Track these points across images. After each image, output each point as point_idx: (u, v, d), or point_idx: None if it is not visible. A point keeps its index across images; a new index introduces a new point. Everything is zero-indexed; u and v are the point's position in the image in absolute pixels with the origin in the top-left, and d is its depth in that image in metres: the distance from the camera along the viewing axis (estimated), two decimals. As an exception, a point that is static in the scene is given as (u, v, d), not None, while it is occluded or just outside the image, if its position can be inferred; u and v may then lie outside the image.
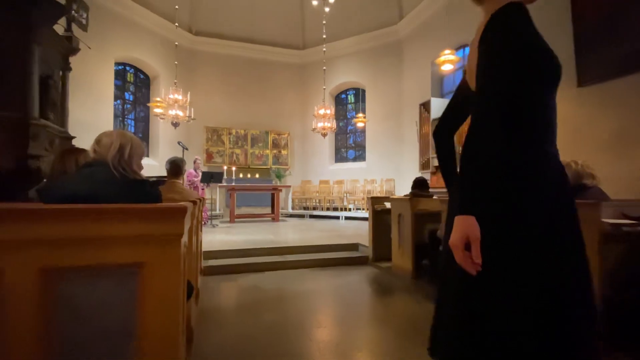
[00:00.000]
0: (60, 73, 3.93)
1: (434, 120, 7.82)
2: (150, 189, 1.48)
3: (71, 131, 3.97)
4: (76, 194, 1.28)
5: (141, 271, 1.13)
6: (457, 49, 8.12)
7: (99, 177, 1.37)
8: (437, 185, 7.11)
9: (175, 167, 3.53)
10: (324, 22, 9.64)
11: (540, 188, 0.94)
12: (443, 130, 1.24)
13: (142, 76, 10.62)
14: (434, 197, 4.23)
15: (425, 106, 8.19)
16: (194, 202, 2.29)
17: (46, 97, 3.40)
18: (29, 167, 2.94)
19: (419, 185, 4.56)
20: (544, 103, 0.98)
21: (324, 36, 9.69)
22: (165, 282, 1.19)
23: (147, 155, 10.42)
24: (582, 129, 4.47)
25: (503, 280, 0.91)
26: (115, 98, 9.51)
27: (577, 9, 4.55)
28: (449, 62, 6.18)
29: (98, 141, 1.49)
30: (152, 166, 9.66)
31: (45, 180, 2.76)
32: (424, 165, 8.39)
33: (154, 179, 4.49)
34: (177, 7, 9.05)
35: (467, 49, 7.26)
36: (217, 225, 7.76)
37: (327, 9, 9.80)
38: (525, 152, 0.95)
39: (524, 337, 0.88)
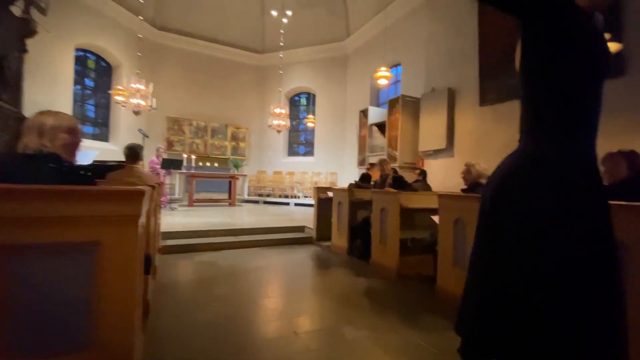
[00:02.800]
0: (16, 54, 3.38)
1: (370, 125, 8.11)
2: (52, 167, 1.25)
3: (27, 112, 3.45)
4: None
5: (100, 249, 1.05)
6: (391, 66, 8.47)
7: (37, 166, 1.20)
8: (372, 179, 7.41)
9: (133, 153, 3.26)
10: (282, 31, 9.43)
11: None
12: None
13: (104, 64, 9.50)
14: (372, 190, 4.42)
15: (364, 113, 8.46)
16: (152, 186, 2.14)
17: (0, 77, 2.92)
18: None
19: (363, 179, 4.75)
20: None
21: (282, 44, 9.49)
22: (123, 259, 1.12)
23: (108, 141, 9.47)
24: (483, 139, 4.97)
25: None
26: (76, 83, 8.41)
27: (482, 44, 5.00)
28: (384, 77, 6.42)
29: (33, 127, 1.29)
30: (113, 151, 8.78)
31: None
32: (361, 162, 8.69)
33: (114, 163, 4.09)
34: (142, 0, 8.20)
35: (400, 68, 7.57)
36: (175, 208, 7.31)
37: (285, 20, 9.61)
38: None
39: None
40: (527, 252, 0.84)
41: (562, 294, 0.79)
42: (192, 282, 2.95)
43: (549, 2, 0.81)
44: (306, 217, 6.23)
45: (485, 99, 4.93)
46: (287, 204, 9.88)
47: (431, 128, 5.81)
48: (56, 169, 1.22)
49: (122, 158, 3.43)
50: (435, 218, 2.81)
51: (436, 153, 5.81)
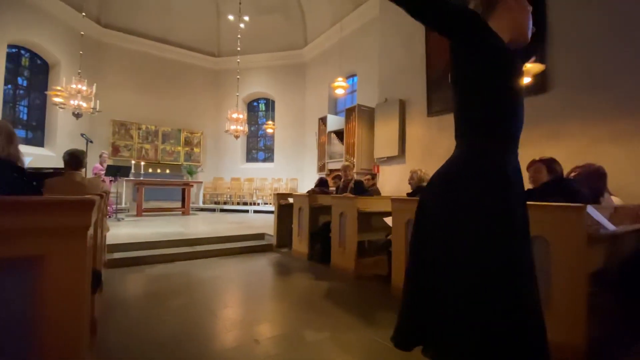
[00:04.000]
0: None
1: (329, 132, 8.31)
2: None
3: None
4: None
5: (44, 264, 0.98)
6: (348, 76, 8.81)
7: None
8: (330, 184, 7.58)
9: (74, 159, 2.97)
10: (239, 36, 9.32)
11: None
12: None
13: (39, 62, 8.55)
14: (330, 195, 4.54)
15: (323, 120, 8.64)
16: (101, 195, 2.01)
17: None
18: None
19: (321, 184, 4.85)
20: None
21: (239, 48, 9.37)
22: (70, 275, 1.04)
23: (43, 146, 8.50)
24: (430, 147, 5.37)
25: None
26: (6, 82, 7.47)
27: (429, 58, 5.44)
28: (341, 87, 6.64)
29: None
30: (49, 157, 7.92)
31: None
32: (321, 168, 8.85)
33: (50, 170, 3.70)
34: (84, -6, 7.58)
35: (356, 78, 7.87)
36: (122, 219, 6.79)
37: (242, 25, 9.51)
38: None
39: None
40: (450, 242, 0.92)
41: (486, 280, 0.85)
42: (143, 296, 2.77)
43: (466, 23, 0.92)
44: (266, 224, 6.17)
45: (432, 110, 5.35)
46: (246, 211, 9.68)
47: (385, 136, 6.14)
48: (18, 178, 1.15)
49: (61, 165, 3.12)
50: (388, 220, 2.99)
51: (390, 160, 6.14)
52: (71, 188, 2.51)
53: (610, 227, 1.80)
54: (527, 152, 2.04)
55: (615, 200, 2.50)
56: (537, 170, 2.33)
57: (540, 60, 3.66)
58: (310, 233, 4.25)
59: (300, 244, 4.40)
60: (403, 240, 2.74)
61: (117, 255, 3.75)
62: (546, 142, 3.70)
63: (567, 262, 1.64)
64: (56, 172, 3.40)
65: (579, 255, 1.63)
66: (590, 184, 2.24)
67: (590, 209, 1.69)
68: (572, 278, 1.63)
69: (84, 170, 3.29)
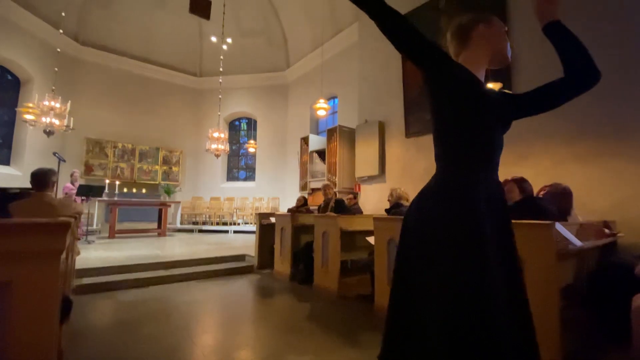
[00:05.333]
0: None
1: (311, 152, 8.40)
2: None
3: None
4: None
5: (11, 291, 0.92)
6: (329, 98, 9.06)
7: None
8: (312, 204, 7.59)
9: (41, 179, 2.78)
10: (222, 57, 9.44)
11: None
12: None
13: (9, 77, 8.24)
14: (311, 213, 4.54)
15: (305, 140, 8.75)
16: (74, 217, 1.92)
17: None
18: None
19: (300, 203, 4.85)
20: None
21: (221, 69, 9.47)
22: (39, 303, 0.98)
23: (9, 164, 8.04)
24: (408, 167, 5.54)
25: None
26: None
27: (406, 82, 5.72)
28: (322, 108, 6.81)
29: None
30: (15, 176, 7.49)
31: None
32: (303, 187, 8.85)
33: (16, 190, 3.49)
34: (63, 13, 7.48)
35: (337, 100, 8.10)
36: (93, 241, 6.43)
37: (225, 47, 9.66)
38: None
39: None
40: (424, 267, 0.93)
41: (467, 305, 0.85)
42: (114, 324, 2.61)
43: (435, 55, 0.98)
44: (247, 245, 6.04)
45: (410, 131, 5.57)
46: (226, 231, 9.43)
47: (365, 156, 6.28)
48: None
49: (28, 184, 2.95)
50: (371, 239, 3.02)
51: (370, 179, 6.26)
52: (40, 209, 2.37)
53: (578, 243, 1.91)
54: (499, 171, 2.14)
55: (579, 218, 2.67)
56: (510, 190, 2.46)
57: (508, 88, 3.95)
58: (292, 253, 4.20)
59: (282, 264, 4.32)
60: (385, 259, 2.76)
61: (87, 280, 3.53)
62: (515, 163, 3.93)
63: (539, 277, 1.72)
64: (23, 192, 3.22)
65: (550, 271, 1.71)
66: (558, 202, 2.39)
67: (559, 226, 1.79)
68: (544, 293, 1.70)
69: (54, 189, 3.14)
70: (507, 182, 2.54)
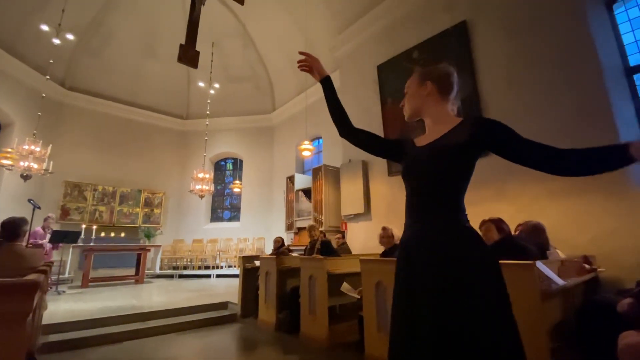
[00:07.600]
0: None
1: (297, 190, 8.45)
2: None
3: None
4: None
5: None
6: (313, 139, 9.35)
7: None
8: (298, 244, 7.46)
9: (10, 229, 2.66)
10: (209, 101, 9.74)
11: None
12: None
13: (-12, 121, 8.14)
14: (294, 255, 4.44)
15: (291, 179, 8.83)
16: (44, 271, 1.82)
17: None
18: None
19: (277, 245, 4.78)
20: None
21: (208, 112, 9.71)
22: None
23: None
24: (393, 203, 5.63)
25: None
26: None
27: (385, 124, 6.03)
28: (307, 149, 7.00)
29: None
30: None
31: None
32: (289, 227, 8.74)
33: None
34: (51, 61, 7.66)
35: (322, 140, 8.37)
36: (64, 291, 5.99)
37: (212, 92, 10.01)
38: None
39: None
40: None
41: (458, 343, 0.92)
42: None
43: (392, 149, 1.38)
44: (230, 291, 5.76)
45: (392, 170, 5.75)
46: (208, 276, 9.01)
47: (351, 194, 6.37)
48: None
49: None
50: (346, 288, 2.97)
51: (357, 217, 6.28)
52: (9, 261, 2.24)
53: (560, 281, 1.94)
54: (477, 210, 2.21)
55: (560, 254, 2.73)
56: (488, 229, 2.52)
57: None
58: (278, 299, 4.03)
59: (268, 311, 4.12)
60: (374, 303, 2.70)
61: (53, 337, 3.23)
62: (493, 200, 4.07)
63: (524, 320, 1.70)
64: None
65: (534, 312, 1.71)
66: (534, 239, 2.46)
67: (540, 265, 1.83)
68: (531, 336, 1.68)
69: (25, 238, 2.98)
70: (484, 223, 2.61)
